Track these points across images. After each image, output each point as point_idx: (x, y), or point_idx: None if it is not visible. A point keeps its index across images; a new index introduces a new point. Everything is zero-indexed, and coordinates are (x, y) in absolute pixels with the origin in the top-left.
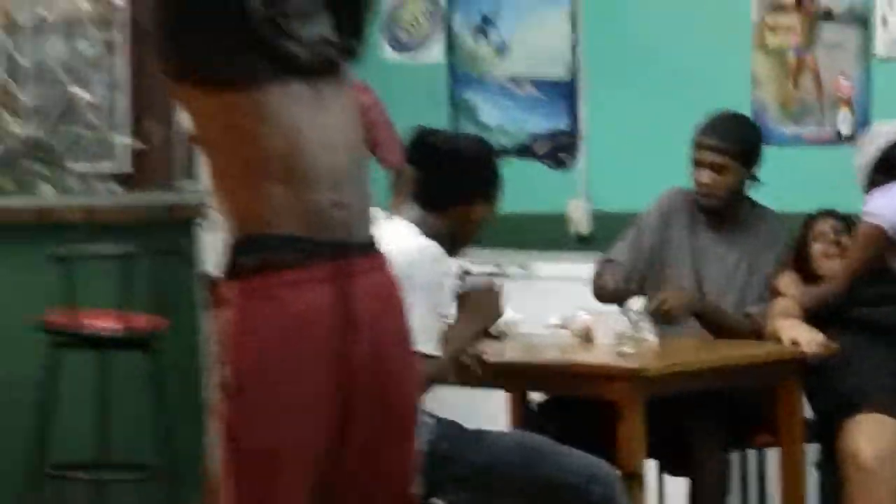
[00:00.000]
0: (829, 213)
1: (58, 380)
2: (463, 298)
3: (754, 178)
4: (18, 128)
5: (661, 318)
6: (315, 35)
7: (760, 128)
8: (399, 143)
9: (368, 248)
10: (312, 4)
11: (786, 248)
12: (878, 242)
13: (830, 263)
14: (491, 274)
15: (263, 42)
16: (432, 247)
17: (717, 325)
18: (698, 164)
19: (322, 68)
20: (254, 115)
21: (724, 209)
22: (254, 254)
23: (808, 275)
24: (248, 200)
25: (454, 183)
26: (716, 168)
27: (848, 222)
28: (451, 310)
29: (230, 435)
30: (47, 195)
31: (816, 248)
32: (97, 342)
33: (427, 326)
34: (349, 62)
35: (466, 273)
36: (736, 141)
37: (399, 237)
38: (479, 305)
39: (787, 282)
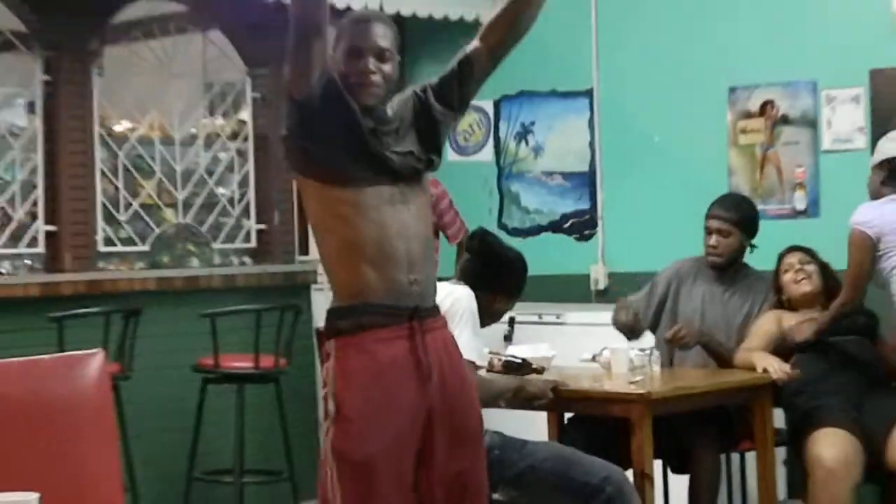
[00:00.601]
0: (796, 248)
1: (206, 407)
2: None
3: (752, 246)
4: (174, 217)
5: (676, 342)
6: (406, 149)
7: (755, 205)
8: (461, 225)
9: (434, 312)
10: (405, 126)
11: (767, 300)
12: (866, 247)
13: (798, 288)
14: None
15: (369, 153)
16: (466, 289)
17: (716, 354)
18: (708, 230)
19: (408, 175)
20: (353, 208)
21: (727, 267)
22: (350, 318)
23: (782, 300)
24: (346, 275)
25: (488, 277)
26: (722, 233)
27: (811, 254)
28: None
29: (337, 451)
30: (196, 267)
31: (787, 277)
32: (235, 378)
33: (473, 344)
34: (429, 170)
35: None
36: (738, 213)
37: (441, 288)
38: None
39: (767, 321)
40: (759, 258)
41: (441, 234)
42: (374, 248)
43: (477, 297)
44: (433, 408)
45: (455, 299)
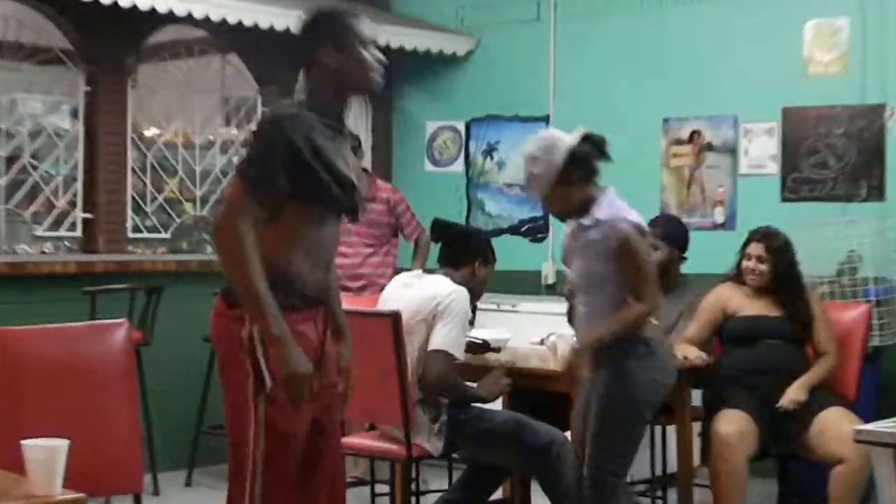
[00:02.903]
0: (762, 236)
1: (213, 372)
2: (484, 381)
3: (683, 258)
4: (192, 210)
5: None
6: (353, 200)
7: (683, 224)
8: (416, 225)
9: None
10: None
11: (695, 303)
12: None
13: (750, 278)
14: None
15: (332, 201)
16: (464, 290)
17: None
18: None
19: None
20: (308, 222)
21: (660, 276)
22: (282, 295)
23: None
24: (282, 258)
25: (461, 251)
26: (653, 247)
27: (771, 249)
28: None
29: (271, 425)
30: (210, 253)
31: (746, 263)
32: None
33: (458, 341)
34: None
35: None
36: (665, 230)
37: (440, 282)
38: (491, 384)
39: (709, 309)
40: (687, 263)
41: (400, 233)
42: (315, 251)
43: (464, 274)
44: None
45: (454, 298)
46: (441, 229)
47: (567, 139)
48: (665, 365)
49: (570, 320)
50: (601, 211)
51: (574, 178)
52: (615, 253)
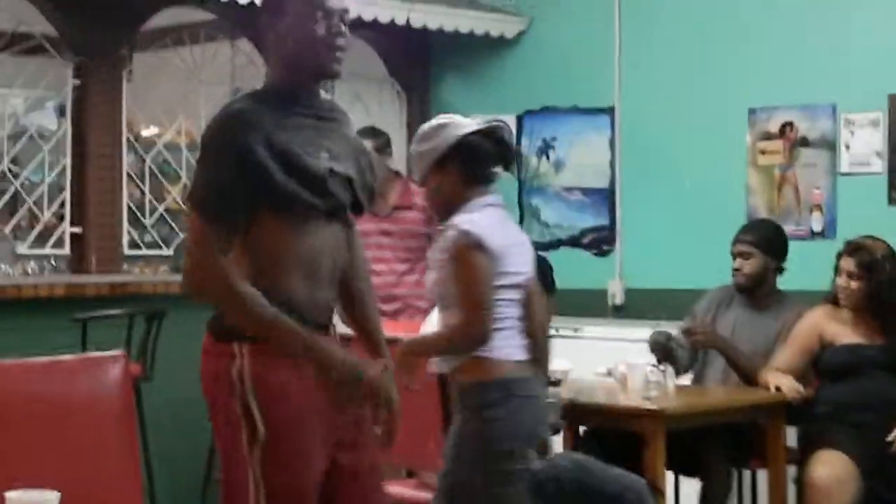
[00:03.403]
0: (856, 249)
1: None
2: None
3: (780, 269)
4: None
5: (690, 336)
6: (340, 195)
7: (783, 230)
8: None
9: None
10: (347, 146)
11: (792, 324)
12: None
13: (843, 296)
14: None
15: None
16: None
17: (737, 366)
18: (733, 254)
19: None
20: (288, 228)
21: (753, 289)
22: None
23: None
24: (273, 281)
25: None
26: (744, 255)
27: (863, 265)
28: None
29: (270, 480)
30: None
31: (839, 280)
32: None
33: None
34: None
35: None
36: (757, 234)
37: None
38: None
39: (805, 334)
40: (783, 278)
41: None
42: (308, 265)
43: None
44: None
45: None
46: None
47: (466, 126)
48: (521, 417)
49: None
50: (461, 217)
51: (452, 168)
52: (448, 262)
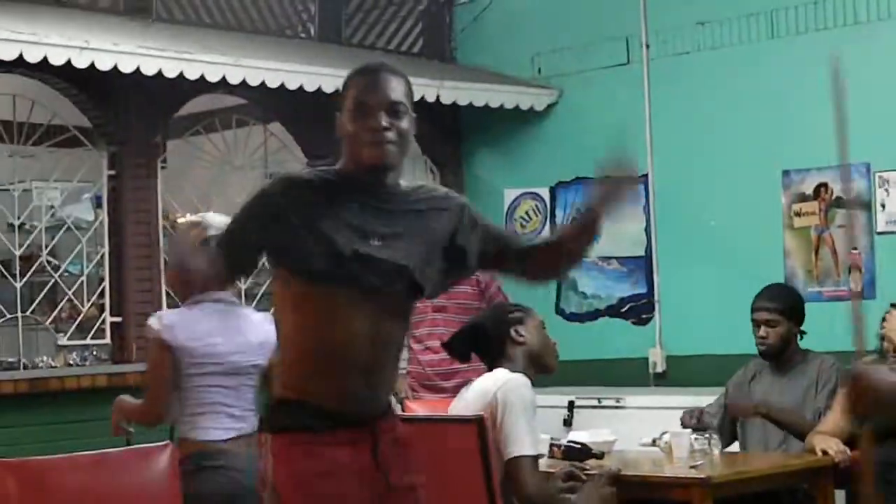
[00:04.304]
0: None
1: None
2: (585, 488)
3: (801, 332)
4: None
5: (732, 412)
6: (396, 259)
7: (799, 293)
8: None
9: (383, 416)
10: (417, 225)
11: (836, 384)
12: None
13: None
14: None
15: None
16: (518, 378)
17: (784, 424)
18: (755, 322)
19: (384, 291)
20: (318, 307)
21: (779, 355)
22: (292, 417)
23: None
24: (297, 370)
25: (489, 339)
26: (770, 324)
27: None
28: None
29: None
30: None
31: (887, 326)
32: None
33: (531, 437)
34: (413, 297)
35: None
36: (783, 302)
37: (491, 376)
38: (595, 493)
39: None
40: (817, 340)
41: None
42: (335, 352)
43: (513, 355)
44: None
45: (507, 389)
46: (457, 346)
47: (217, 225)
48: (207, 487)
49: None
50: (168, 311)
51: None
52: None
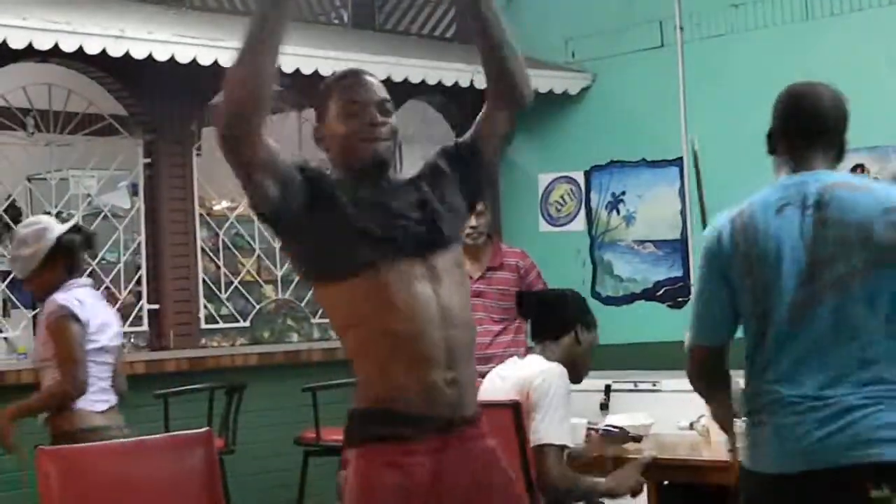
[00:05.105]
0: None
1: (308, 480)
2: (617, 472)
3: None
4: (273, 293)
5: None
6: (421, 216)
7: None
8: None
9: (472, 420)
10: (422, 191)
11: None
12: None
13: None
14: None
15: (371, 235)
16: (556, 367)
17: None
18: None
19: (427, 247)
20: (374, 298)
21: None
22: (376, 426)
23: None
24: (372, 374)
25: (560, 319)
26: None
27: None
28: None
29: None
30: (296, 342)
31: None
32: (337, 451)
33: (563, 428)
34: (450, 242)
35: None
36: None
37: (529, 364)
38: (625, 478)
39: None
40: None
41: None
42: (407, 345)
43: (566, 346)
44: None
45: (546, 378)
46: (530, 303)
47: (57, 228)
48: None
49: None
50: (59, 295)
51: (57, 264)
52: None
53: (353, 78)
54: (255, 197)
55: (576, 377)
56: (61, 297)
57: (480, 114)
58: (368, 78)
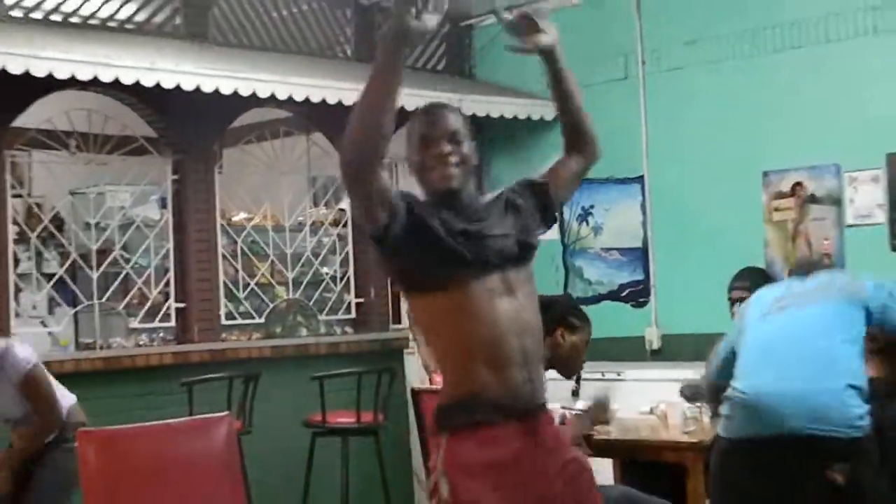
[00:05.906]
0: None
1: (315, 458)
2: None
3: None
4: (285, 293)
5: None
6: (503, 232)
7: (768, 273)
8: None
9: (543, 408)
10: (497, 212)
11: None
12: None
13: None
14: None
15: (461, 254)
16: None
17: None
18: (731, 300)
19: (509, 261)
20: (460, 311)
21: None
22: (464, 415)
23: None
24: (459, 375)
25: (544, 320)
26: (743, 300)
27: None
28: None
29: None
30: (305, 336)
31: None
32: (340, 432)
33: None
34: (529, 254)
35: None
36: (752, 281)
37: None
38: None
39: None
40: None
41: None
42: (489, 348)
43: (547, 346)
44: (554, 490)
45: None
46: None
47: None
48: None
49: None
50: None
51: None
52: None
53: (431, 114)
54: (367, 221)
55: (566, 373)
56: (18, 346)
57: (558, 160)
58: (443, 112)
